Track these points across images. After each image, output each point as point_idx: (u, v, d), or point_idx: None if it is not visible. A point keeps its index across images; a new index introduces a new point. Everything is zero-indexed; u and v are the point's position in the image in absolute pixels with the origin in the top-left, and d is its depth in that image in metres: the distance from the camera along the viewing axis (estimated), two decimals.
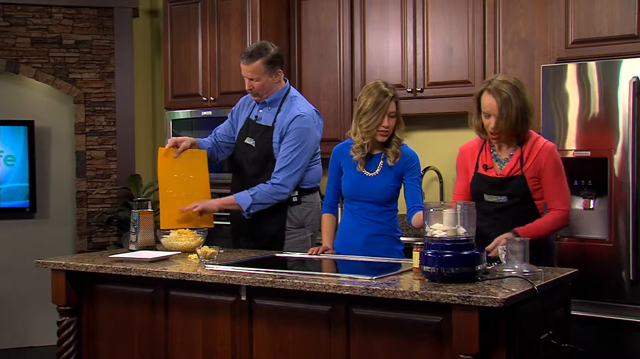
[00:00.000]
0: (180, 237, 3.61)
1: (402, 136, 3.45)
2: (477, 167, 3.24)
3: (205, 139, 3.94)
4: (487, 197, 3.17)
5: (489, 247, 2.97)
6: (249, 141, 3.80)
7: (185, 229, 3.67)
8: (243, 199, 3.65)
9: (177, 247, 3.59)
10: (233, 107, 4.00)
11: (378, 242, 3.45)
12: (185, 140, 3.77)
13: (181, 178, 3.76)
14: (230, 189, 3.91)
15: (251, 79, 3.71)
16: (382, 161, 3.45)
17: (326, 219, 3.62)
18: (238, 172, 3.90)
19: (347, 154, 3.50)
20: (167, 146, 3.77)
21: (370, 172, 3.45)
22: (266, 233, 3.74)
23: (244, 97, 3.97)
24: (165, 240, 3.64)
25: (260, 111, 3.82)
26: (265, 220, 3.73)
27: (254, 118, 3.83)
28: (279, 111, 3.75)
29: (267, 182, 3.67)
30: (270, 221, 3.74)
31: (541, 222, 3.11)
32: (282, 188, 3.66)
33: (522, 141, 3.18)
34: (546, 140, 3.21)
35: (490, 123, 3.13)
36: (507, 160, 3.19)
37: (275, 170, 3.67)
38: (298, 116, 3.67)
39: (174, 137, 3.83)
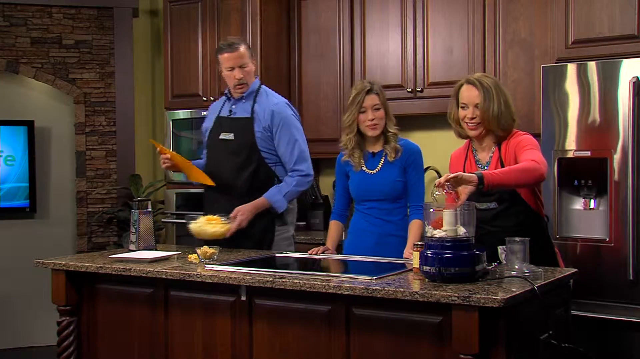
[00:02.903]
0: (210, 224, 3.58)
1: (395, 130, 3.48)
2: None
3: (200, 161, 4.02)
4: (478, 205, 3.14)
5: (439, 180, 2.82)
6: (225, 136, 3.81)
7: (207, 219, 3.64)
8: (279, 201, 3.70)
9: (206, 233, 3.57)
10: (202, 128, 4.03)
11: (389, 243, 3.43)
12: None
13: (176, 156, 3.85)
14: (205, 189, 3.89)
15: (240, 67, 3.76)
16: (383, 158, 3.48)
17: (332, 226, 3.65)
18: (216, 170, 3.84)
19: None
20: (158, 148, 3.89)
21: (372, 170, 3.48)
22: (257, 231, 3.74)
23: (210, 109, 4.03)
24: (195, 226, 3.59)
25: (234, 106, 3.85)
26: (256, 218, 3.72)
27: (227, 114, 3.86)
28: (254, 103, 3.79)
29: (291, 175, 3.73)
30: (260, 219, 3.73)
31: (508, 168, 2.98)
32: (309, 177, 3.77)
33: (501, 140, 3.17)
34: (523, 133, 3.19)
35: (467, 114, 3.14)
36: (488, 164, 3.18)
37: (291, 165, 3.73)
38: (274, 110, 3.75)
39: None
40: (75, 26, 5.84)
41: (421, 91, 4.63)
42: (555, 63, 3.90)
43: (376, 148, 3.50)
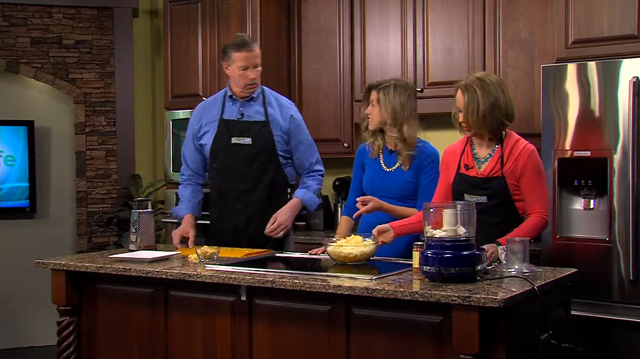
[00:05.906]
0: (354, 244, 3.17)
1: (397, 134, 3.49)
2: (459, 167, 3.24)
3: (190, 199, 3.88)
4: (467, 197, 3.15)
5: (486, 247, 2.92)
6: (239, 140, 3.71)
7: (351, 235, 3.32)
8: (311, 199, 3.77)
9: (356, 254, 3.14)
10: (191, 131, 3.85)
11: (398, 241, 3.41)
12: (189, 232, 3.75)
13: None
14: (216, 194, 3.79)
15: (254, 66, 3.70)
16: (399, 159, 3.55)
17: (343, 222, 3.67)
18: (229, 177, 3.76)
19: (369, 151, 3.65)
20: (178, 247, 3.71)
21: (389, 168, 3.56)
22: (276, 238, 3.70)
23: (195, 112, 3.89)
24: (340, 249, 3.15)
25: (242, 108, 3.76)
26: (267, 221, 3.69)
27: (237, 117, 3.76)
28: (264, 104, 3.76)
29: (312, 176, 3.81)
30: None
31: (521, 232, 3.03)
32: (323, 176, 3.91)
33: (501, 140, 3.17)
34: (527, 142, 3.19)
35: (460, 117, 3.18)
36: (487, 159, 3.19)
37: (309, 165, 3.81)
38: (293, 115, 3.80)
39: (175, 236, 3.76)
40: (75, 26, 5.84)
41: (421, 91, 4.62)
42: (555, 63, 3.90)
43: (392, 146, 3.56)
